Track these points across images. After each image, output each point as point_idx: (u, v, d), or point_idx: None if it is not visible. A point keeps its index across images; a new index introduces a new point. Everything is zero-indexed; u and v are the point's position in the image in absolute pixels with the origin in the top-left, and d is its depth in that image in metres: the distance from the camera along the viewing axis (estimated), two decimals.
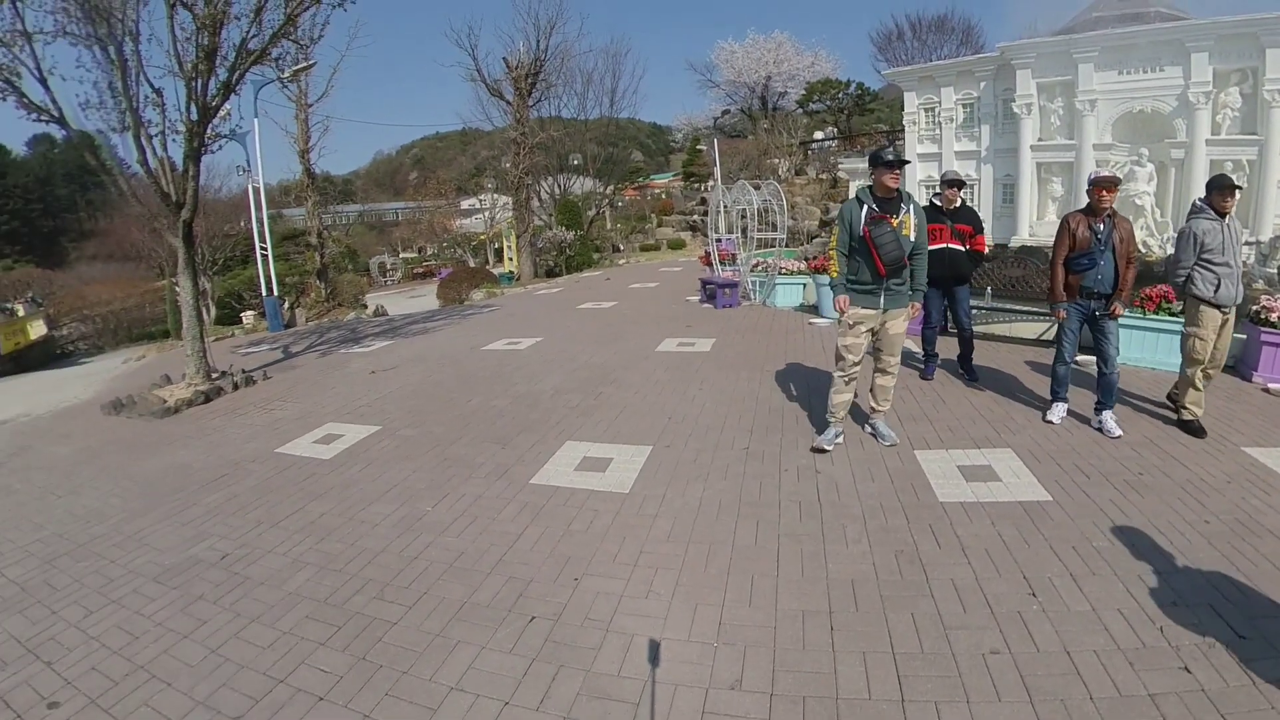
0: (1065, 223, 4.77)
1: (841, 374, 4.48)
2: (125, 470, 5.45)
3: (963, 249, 5.90)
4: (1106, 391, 4.72)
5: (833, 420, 4.59)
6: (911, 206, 4.35)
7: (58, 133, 7.95)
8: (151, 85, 7.52)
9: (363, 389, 7.31)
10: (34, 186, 50.83)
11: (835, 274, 4.50)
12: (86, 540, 4.11)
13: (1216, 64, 9.79)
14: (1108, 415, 4.71)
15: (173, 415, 7.13)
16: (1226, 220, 4.50)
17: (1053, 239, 4.89)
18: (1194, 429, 4.57)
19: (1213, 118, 10.02)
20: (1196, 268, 4.55)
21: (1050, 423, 4.87)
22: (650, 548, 3.39)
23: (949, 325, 6.35)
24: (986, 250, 6.08)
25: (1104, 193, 4.56)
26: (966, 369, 6.11)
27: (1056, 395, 5.03)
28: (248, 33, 7.65)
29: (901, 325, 4.51)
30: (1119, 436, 4.56)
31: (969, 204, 6.14)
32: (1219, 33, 9.65)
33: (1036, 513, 3.53)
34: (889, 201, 4.30)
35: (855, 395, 4.70)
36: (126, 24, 7.23)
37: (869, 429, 4.81)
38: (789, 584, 2.99)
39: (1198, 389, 4.59)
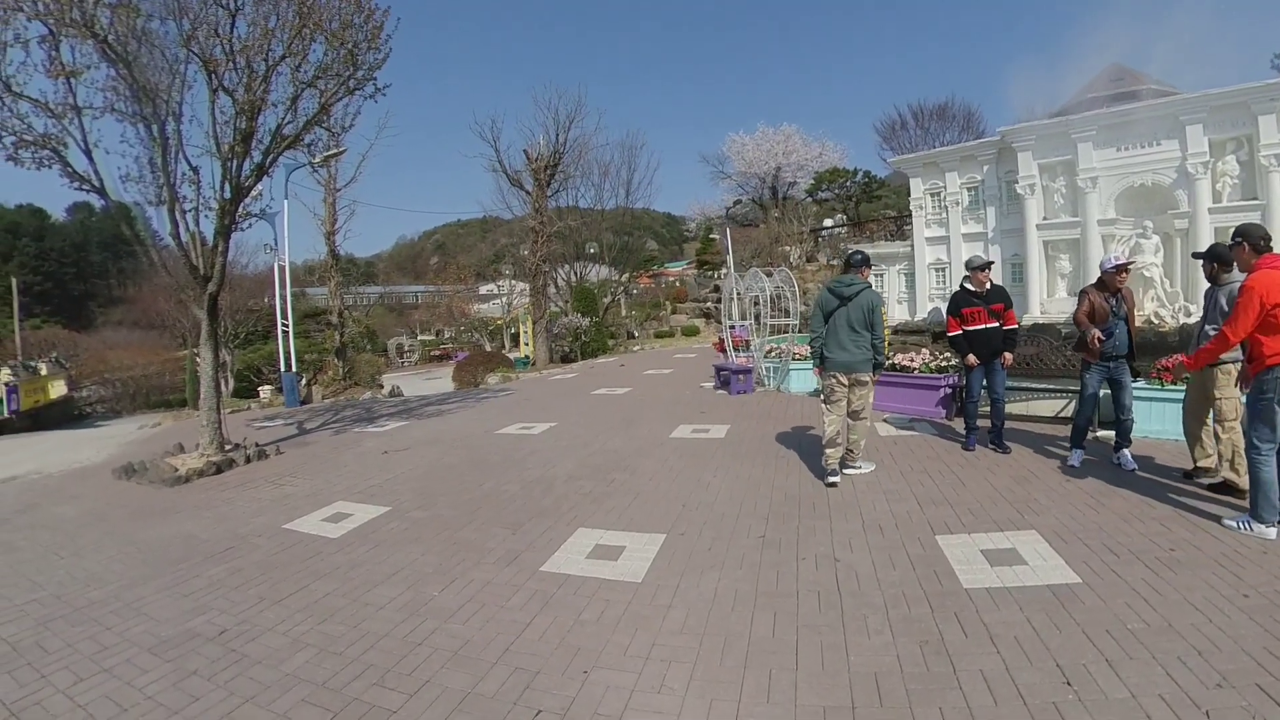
0: (1084, 292, 5.64)
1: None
2: (130, 536, 5.43)
3: (999, 326, 6.31)
4: (1123, 433, 5.49)
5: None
6: None
7: (97, 202, 8.38)
8: (189, 163, 7.94)
9: (374, 469, 7.29)
10: (70, 251, 53.42)
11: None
12: (84, 604, 4.06)
13: (1211, 134, 9.97)
14: (1125, 453, 5.46)
15: (183, 484, 7.15)
16: (1218, 286, 4.73)
17: (1063, 316, 5.18)
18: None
19: (1213, 186, 10.12)
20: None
21: (1072, 466, 5.53)
22: (663, 640, 3.25)
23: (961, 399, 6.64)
24: (1017, 325, 6.60)
25: (1125, 274, 5.47)
26: (997, 441, 6.33)
27: (1075, 443, 5.64)
28: (283, 119, 8.15)
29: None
30: (1133, 470, 5.31)
31: (997, 284, 6.61)
32: (1211, 104, 9.88)
33: (1066, 596, 3.38)
34: None
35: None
36: (171, 105, 7.69)
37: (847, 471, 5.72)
38: (809, 678, 2.84)
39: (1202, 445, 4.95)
